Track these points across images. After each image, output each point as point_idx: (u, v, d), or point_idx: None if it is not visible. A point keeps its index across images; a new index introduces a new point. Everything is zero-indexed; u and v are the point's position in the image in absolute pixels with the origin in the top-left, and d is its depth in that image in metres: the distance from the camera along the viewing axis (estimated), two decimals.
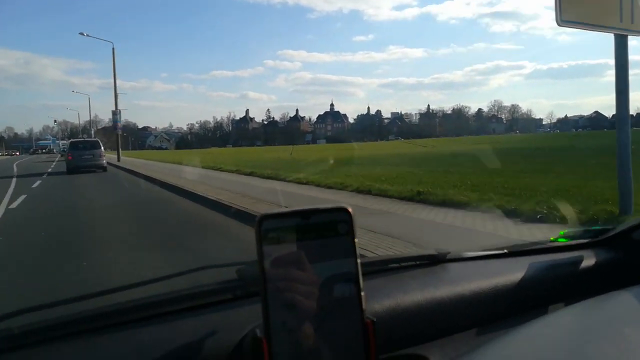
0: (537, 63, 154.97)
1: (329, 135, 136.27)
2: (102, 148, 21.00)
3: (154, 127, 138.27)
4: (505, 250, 1.14)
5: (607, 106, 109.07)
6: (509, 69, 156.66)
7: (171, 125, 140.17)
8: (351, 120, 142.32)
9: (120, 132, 34.43)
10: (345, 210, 0.53)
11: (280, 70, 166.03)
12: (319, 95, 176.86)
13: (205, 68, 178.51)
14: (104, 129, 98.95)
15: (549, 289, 1.00)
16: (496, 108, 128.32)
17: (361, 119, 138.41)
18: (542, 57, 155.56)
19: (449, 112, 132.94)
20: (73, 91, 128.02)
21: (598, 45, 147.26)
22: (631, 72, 4.67)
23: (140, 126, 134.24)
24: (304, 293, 0.52)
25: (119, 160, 29.11)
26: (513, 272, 1.00)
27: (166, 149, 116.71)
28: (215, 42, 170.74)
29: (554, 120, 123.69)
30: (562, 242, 1.18)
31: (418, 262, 1.05)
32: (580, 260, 1.07)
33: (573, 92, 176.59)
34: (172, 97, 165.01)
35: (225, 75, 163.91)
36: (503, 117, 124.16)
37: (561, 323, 0.77)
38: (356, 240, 0.53)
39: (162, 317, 0.78)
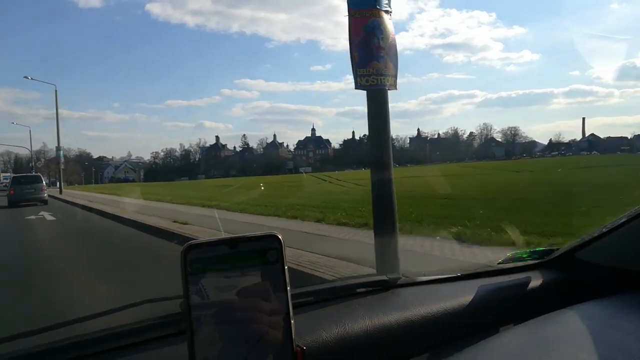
0: (487, 92, 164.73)
1: (311, 163, 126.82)
2: (44, 182, 22.93)
3: (110, 157, 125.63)
4: (457, 274, 1.18)
5: (554, 133, 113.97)
6: (461, 97, 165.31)
7: (130, 155, 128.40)
8: (335, 146, 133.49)
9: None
10: (274, 237, 0.52)
11: (237, 100, 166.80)
12: (276, 124, 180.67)
13: (160, 97, 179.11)
14: (51, 160, 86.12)
15: (498, 311, 1.04)
16: (485, 131, 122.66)
17: (347, 144, 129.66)
18: (492, 87, 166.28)
19: (444, 136, 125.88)
20: (13, 122, 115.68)
21: (543, 76, 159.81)
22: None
23: (95, 156, 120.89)
24: (231, 325, 0.51)
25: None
26: (463, 295, 1.03)
27: (133, 180, 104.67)
28: (171, 71, 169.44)
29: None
30: (510, 264, 1.25)
31: (369, 289, 1.08)
32: (527, 281, 1.13)
33: (521, 120, 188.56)
34: (124, 127, 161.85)
35: (180, 105, 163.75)
36: (500, 140, 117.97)
37: (508, 343, 0.81)
38: (286, 267, 0.52)
39: (102, 355, 0.77)
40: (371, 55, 4.12)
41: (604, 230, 1.13)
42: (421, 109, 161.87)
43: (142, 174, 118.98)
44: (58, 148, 32.75)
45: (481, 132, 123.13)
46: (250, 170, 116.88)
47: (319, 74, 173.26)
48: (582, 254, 1.18)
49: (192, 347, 0.50)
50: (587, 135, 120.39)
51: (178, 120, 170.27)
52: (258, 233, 0.52)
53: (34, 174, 25.21)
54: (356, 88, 4.16)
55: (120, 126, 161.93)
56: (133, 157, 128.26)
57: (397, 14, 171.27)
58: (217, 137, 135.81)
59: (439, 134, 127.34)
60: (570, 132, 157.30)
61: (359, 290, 1.07)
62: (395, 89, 4.33)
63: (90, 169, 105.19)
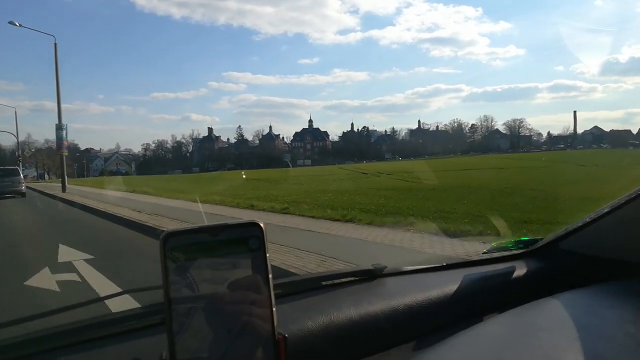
0: (473, 86, 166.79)
1: (310, 156, 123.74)
2: (22, 175, 23.69)
3: (97, 148, 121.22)
4: (442, 264, 1.21)
5: (540, 127, 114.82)
6: (448, 92, 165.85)
7: (118, 147, 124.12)
8: (334, 138, 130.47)
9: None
10: (256, 225, 0.52)
11: (224, 92, 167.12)
12: (264, 117, 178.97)
13: (146, 90, 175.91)
14: (39, 150, 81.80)
15: (482, 300, 1.06)
16: (486, 123, 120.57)
17: (346, 136, 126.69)
18: (478, 81, 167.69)
19: (444, 128, 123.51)
20: None
21: (529, 70, 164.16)
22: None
23: (82, 148, 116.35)
24: (212, 314, 0.51)
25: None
26: (448, 285, 1.06)
27: (126, 173, 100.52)
28: (157, 63, 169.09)
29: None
30: (495, 254, 1.27)
31: (355, 278, 1.10)
32: (512, 270, 1.15)
33: (506, 114, 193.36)
34: (109, 119, 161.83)
35: (167, 97, 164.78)
36: (506, 132, 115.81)
37: (490, 331, 0.84)
38: (268, 255, 0.52)
39: (88, 344, 0.78)
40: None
41: (587, 220, 1.14)
42: (408, 102, 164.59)
43: (133, 166, 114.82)
44: (59, 127, 24.22)
45: (481, 124, 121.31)
46: (247, 163, 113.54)
47: (306, 67, 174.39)
48: (566, 244, 1.20)
49: (171, 336, 0.50)
50: (588, 129, 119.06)
51: (164, 112, 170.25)
52: (240, 220, 0.52)
53: (10, 167, 24.63)
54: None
55: (105, 118, 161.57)
56: (122, 149, 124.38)
57: (384, 8, 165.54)
58: (209, 129, 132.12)
59: (437, 126, 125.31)
60: (555, 126, 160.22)
61: (345, 279, 1.09)
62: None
63: (81, 161, 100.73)
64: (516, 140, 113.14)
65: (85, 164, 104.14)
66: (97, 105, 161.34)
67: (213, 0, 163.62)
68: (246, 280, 0.52)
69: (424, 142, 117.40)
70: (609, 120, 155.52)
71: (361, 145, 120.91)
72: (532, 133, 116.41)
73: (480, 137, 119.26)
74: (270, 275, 0.52)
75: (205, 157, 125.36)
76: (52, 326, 0.78)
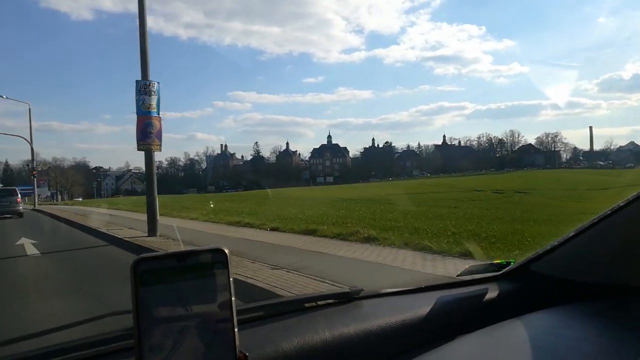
0: (477, 104, 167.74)
1: (329, 172, 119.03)
2: (19, 195, 23.43)
3: (106, 167, 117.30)
4: (417, 287, 1.25)
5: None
6: (452, 109, 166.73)
7: (128, 165, 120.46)
8: (353, 154, 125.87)
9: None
10: (220, 251, 0.55)
11: (229, 111, 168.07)
12: (269, 135, 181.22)
13: None
14: (51, 168, 77.09)
15: (455, 321, 1.09)
16: (512, 139, 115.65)
17: (368, 152, 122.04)
18: (482, 99, 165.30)
19: (474, 142, 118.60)
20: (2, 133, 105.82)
21: (532, 88, 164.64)
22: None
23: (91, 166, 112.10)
24: (179, 335, 0.53)
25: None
26: (422, 307, 1.09)
27: (142, 192, 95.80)
28: (163, 83, 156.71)
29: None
30: (468, 276, 1.31)
31: (332, 301, 1.14)
32: (484, 293, 1.19)
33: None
34: (115, 139, 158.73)
35: (172, 117, 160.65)
36: (541, 148, 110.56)
37: (456, 351, 0.88)
38: (231, 279, 0.55)
39: None
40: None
41: (555, 243, 1.19)
42: (412, 120, 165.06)
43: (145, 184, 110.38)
44: (145, 88, 21.83)
45: (507, 139, 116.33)
46: (264, 181, 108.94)
47: (311, 86, 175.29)
48: (536, 266, 1.24)
49: (140, 357, 0.52)
50: (623, 145, 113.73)
51: (170, 132, 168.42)
52: (205, 247, 0.55)
53: (8, 187, 25.93)
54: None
55: (112, 138, 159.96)
56: (131, 167, 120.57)
57: (389, 28, 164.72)
58: (224, 146, 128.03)
59: (459, 142, 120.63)
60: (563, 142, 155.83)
61: (321, 302, 1.12)
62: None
63: (93, 179, 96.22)
64: (550, 155, 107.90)
65: (99, 182, 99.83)
66: (103, 125, 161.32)
67: (219, 21, 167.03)
68: (211, 304, 0.55)
69: (452, 158, 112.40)
70: (615, 137, 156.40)
71: (384, 161, 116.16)
72: (566, 148, 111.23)
73: (507, 152, 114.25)
74: (233, 299, 0.55)
75: (219, 175, 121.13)
76: (31, 349, 0.80)
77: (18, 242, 10.84)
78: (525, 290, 1.24)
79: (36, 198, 38.24)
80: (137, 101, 10.70)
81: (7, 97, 34.37)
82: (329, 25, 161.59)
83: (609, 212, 1.06)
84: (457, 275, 1.35)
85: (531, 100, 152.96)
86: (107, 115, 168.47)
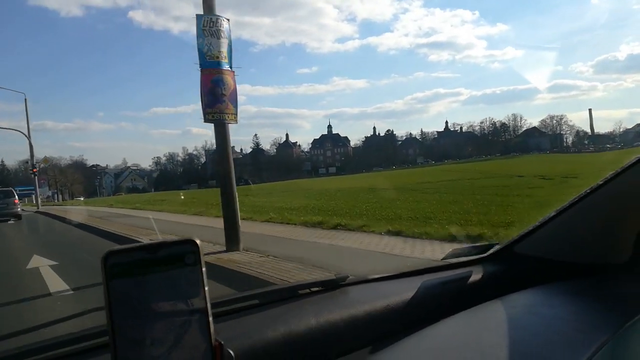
0: (472, 89, 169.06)
1: (331, 163, 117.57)
2: (16, 196, 22.72)
3: (103, 165, 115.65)
4: (401, 272, 1.27)
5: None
6: (447, 96, 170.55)
7: (126, 162, 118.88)
8: (354, 143, 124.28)
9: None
10: (192, 242, 0.56)
11: None
12: (264, 128, 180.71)
13: (146, 105, 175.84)
14: (48, 167, 75.10)
15: (439, 304, 1.10)
16: (514, 122, 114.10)
17: (370, 141, 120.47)
18: (477, 84, 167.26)
19: (477, 128, 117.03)
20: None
21: (527, 72, 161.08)
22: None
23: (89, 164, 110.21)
24: (152, 327, 0.54)
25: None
26: (406, 292, 1.11)
27: (144, 189, 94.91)
28: (156, 78, 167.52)
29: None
30: (453, 260, 1.33)
31: (318, 288, 1.15)
32: (469, 275, 1.20)
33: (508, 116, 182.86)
34: (110, 136, 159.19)
35: (167, 112, 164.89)
36: (546, 131, 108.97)
37: (440, 333, 0.90)
38: (203, 269, 0.56)
39: None
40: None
41: (537, 224, 1.22)
42: (407, 108, 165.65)
43: (146, 181, 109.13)
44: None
45: (509, 122, 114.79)
46: (265, 174, 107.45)
47: (305, 77, 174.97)
48: (519, 248, 1.27)
49: (115, 351, 0.53)
50: (629, 127, 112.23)
51: (164, 127, 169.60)
52: (176, 238, 0.56)
53: (4, 188, 25.18)
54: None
55: (106, 136, 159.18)
56: (129, 164, 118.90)
57: (382, 15, 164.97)
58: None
59: (461, 127, 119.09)
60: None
61: (307, 290, 1.13)
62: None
63: (93, 177, 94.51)
64: (555, 138, 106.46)
65: (100, 180, 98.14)
66: (97, 123, 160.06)
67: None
68: (184, 295, 0.55)
69: (455, 144, 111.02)
70: (612, 119, 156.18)
71: (387, 150, 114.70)
72: (572, 131, 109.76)
73: (511, 136, 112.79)
74: (206, 288, 0.56)
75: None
76: (12, 347, 0.82)
77: (30, 265, 7.78)
78: (508, 271, 1.25)
79: (38, 198, 35.34)
80: (200, 47, 7.20)
81: (1, 87, 32.85)
82: (321, 15, 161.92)
83: (588, 191, 1.09)
84: (442, 259, 1.36)
85: (526, 85, 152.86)
86: (101, 112, 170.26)
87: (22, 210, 23.73)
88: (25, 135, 32.79)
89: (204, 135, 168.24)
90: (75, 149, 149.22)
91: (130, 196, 53.30)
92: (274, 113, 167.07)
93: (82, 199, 65.34)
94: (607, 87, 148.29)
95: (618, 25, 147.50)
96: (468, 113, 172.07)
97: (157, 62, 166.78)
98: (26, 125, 33.48)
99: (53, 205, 43.51)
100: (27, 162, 34.01)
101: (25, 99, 33.47)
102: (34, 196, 73.17)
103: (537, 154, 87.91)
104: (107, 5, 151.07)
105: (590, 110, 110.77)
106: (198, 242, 0.56)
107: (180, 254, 0.55)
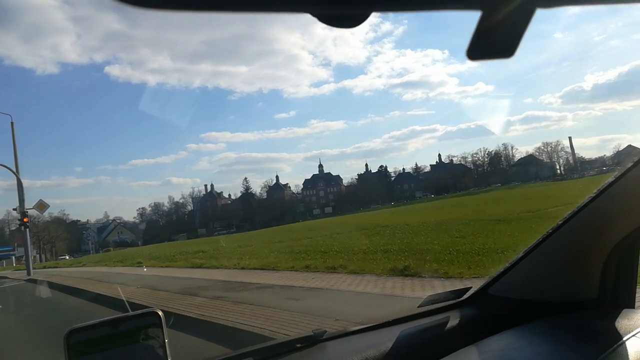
0: (448, 125, 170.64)
1: (325, 203, 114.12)
2: None
3: (84, 220, 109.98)
4: (379, 322, 1.26)
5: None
6: (423, 132, 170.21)
7: (107, 215, 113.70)
8: (347, 181, 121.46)
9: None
10: (154, 314, 0.56)
11: (203, 153, 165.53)
12: (245, 173, 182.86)
13: (124, 158, 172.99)
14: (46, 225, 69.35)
15: (419, 353, 1.10)
16: (505, 152, 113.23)
17: (363, 178, 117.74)
18: (452, 120, 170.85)
19: (470, 159, 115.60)
20: None
21: (499, 105, 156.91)
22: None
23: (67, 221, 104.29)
24: None
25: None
26: (385, 343, 1.09)
27: (133, 243, 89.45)
28: (134, 130, 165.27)
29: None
30: (430, 306, 1.32)
31: (296, 346, 1.13)
32: (446, 321, 1.22)
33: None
34: (88, 191, 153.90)
35: (146, 164, 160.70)
36: (544, 158, 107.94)
37: None
38: (167, 341, 0.56)
39: None
40: None
41: (508, 265, 1.25)
42: (385, 146, 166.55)
43: (139, 234, 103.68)
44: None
45: (499, 152, 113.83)
46: (257, 220, 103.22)
47: (283, 121, 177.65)
48: (493, 290, 1.31)
49: None
50: (620, 148, 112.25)
51: (144, 179, 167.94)
52: (139, 311, 0.55)
53: None
54: None
55: (84, 191, 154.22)
56: (110, 217, 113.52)
57: (355, 58, 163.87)
58: (209, 186, 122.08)
59: (451, 160, 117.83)
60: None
61: (285, 349, 1.11)
62: None
63: (77, 234, 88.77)
64: (552, 165, 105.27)
65: (82, 236, 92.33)
66: (75, 179, 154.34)
67: (187, 65, 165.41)
68: None
69: (452, 177, 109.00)
70: (586, 147, 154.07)
71: (382, 186, 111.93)
72: (569, 157, 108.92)
73: (504, 165, 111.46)
74: (169, 358, 0.55)
75: (208, 216, 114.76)
76: None
77: None
78: (484, 314, 1.25)
79: (30, 259, 24.78)
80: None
81: None
82: (296, 61, 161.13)
83: (550, 232, 1.13)
84: (418, 306, 1.32)
85: (500, 117, 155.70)
86: (79, 168, 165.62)
87: (3, 278, 18.05)
88: (13, 172, 24.78)
89: (183, 184, 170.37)
90: (55, 205, 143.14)
91: (125, 251, 47.98)
92: (254, 158, 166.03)
93: (67, 257, 60.01)
94: (576, 117, 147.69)
95: (582, 57, 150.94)
96: (445, 148, 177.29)
97: (135, 115, 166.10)
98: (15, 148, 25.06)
99: (44, 267, 35.58)
100: (13, 210, 26.62)
101: (12, 123, 26.60)
102: (13, 258, 68.24)
103: (541, 182, 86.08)
104: (83, 61, 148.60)
105: (570, 138, 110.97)
106: (160, 313, 0.55)
107: (143, 326, 0.55)
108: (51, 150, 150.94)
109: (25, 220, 24.18)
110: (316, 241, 18.18)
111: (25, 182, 23.31)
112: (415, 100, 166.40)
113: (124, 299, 7.97)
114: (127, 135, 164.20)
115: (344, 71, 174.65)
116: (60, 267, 31.44)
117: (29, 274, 22.68)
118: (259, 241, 24.82)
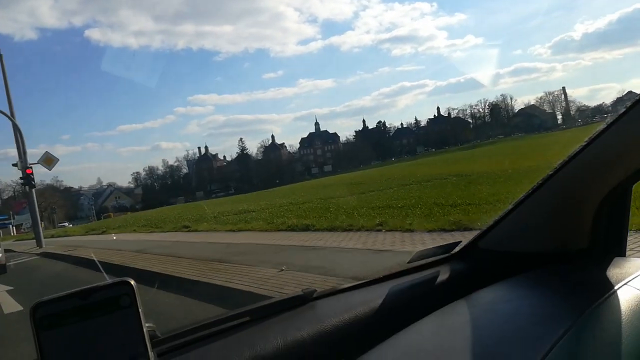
0: (438, 80, 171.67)
1: (323, 162, 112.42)
2: None
3: (77, 187, 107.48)
4: (369, 280, 1.26)
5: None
6: (413, 88, 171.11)
7: (100, 181, 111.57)
8: (344, 138, 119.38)
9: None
10: (126, 283, 0.54)
11: (192, 117, 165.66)
12: (235, 135, 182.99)
13: (112, 124, 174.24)
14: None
15: (409, 308, 1.08)
16: (505, 102, 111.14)
17: (362, 135, 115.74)
18: (441, 74, 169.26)
19: (469, 112, 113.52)
20: None
21: (488, 58, 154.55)
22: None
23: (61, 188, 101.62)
24: None
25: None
26: (375, 299, 1.10)
27: (132, 207, 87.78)
28: (121, 95, 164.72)
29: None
30: (420, 262, 1.31)
31: (286, 306, 1.13)
32: (436, 276, 1.22)
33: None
34: (76, 159, 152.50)
35: (134, 129, 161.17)
36: (547, 108, 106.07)
37: (406, 340, 0.90)
38: (140, 310, 0.54)
39: None
40: None
41: (497, 218, 1.26)
42: (375, 104, 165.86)
43: (138, 198, 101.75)
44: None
45: (498, 103, 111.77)
46: (256, 180, 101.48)
47: (271, 82, 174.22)
48: (483, 243, 1.30)
49: None
50: (623, 94, 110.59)
51: (133, 144, 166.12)
52: (109, 281, 0.54)
53: None
54: None
55: (73, 158, 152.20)
56: (104, 183, 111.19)
57: (342, 14, 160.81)
58: (203, 148, 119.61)
59: (449, 112, 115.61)
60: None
61: (274, 309, 1.11)
62: None
63: (73, 200, 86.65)
64: (553, 115, 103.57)
65: (79, 203, 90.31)
66: (63, 147, 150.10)
67: (170, 26, 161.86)
68: (122, 339, 0.53)
69: (452, 130, 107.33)
70: (576, 97, 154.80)
71: (381, 142, 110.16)
72: (572, 105, 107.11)
73: (505, 116, 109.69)
74: (144, 328, 0.54)
75: (205, 179, 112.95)
76: None
77: None
78: (474, 268, 1.26)
79: (40, 228, 19.79)
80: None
81: None
82: (282, 18, 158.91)
83: (540, 182, 1.13)
84: (407, 262, 1.32)
85: (489, 70, 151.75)
86: (66, 135, 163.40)
87: (8, 252, 14.69)
88: (7, 115, 19.50)
89: (173, 149, 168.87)
90: (43, 174, 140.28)
91: (130, 216, 45.73)
92: (243, 120, 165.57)
93: (68, 225, 58.10)
94: (566, 67, 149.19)
95: (572, 6, 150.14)
96: (435, 104, 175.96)
97: (120, 79, 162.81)
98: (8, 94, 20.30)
99: (52, 236, 30.38)
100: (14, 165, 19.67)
101: (1, 55, 21.36)
102: (11, 227, 65.42)
103: (545, 133, 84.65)
104: (62, 26, 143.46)
105: (564, 88, 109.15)
106: (132, 282, 0.54)
107: (114, 297, 0.53)
108: (37, 119, 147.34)
109: (29, 171, 18.79)
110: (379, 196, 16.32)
111: (12, 152, 20.11)
112: (404, 56, 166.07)
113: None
114: (113, 101, 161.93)
115: (331, 27, 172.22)
116: (71, 236, 27.46)
117: (39, 244, 18.80)
118: (288, 200, 22.94)
